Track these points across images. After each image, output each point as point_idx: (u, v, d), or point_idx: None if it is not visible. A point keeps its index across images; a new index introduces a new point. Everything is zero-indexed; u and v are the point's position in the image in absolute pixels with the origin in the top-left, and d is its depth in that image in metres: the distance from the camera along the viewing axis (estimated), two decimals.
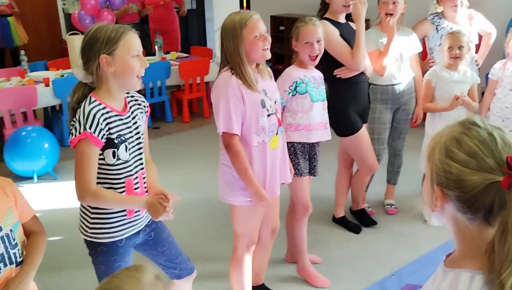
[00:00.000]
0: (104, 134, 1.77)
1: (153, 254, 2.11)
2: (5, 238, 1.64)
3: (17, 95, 4.72)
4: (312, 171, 2.77)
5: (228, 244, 3.34)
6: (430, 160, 1.05)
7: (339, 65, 2.96)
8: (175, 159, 4.85)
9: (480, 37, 3.78)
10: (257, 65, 2.26)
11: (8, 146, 4.33)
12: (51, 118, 5.56)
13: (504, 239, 0.92)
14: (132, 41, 1.81)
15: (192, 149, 5.20)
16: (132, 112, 1.92)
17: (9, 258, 1.66)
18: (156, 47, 6.11)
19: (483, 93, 3.65)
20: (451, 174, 0.98)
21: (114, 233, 1.91)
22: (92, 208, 1.89)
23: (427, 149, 1.07)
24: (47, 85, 5.01)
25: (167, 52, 6.42)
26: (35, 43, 8.10)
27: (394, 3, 3.14)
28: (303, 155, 2.70)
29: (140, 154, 1.95)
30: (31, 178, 4.42)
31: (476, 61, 3.78)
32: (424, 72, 3.44)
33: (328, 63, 2.88)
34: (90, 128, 1.73)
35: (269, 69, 2.37)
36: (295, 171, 2.64)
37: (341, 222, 3.50)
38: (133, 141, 1.90)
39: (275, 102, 2.31)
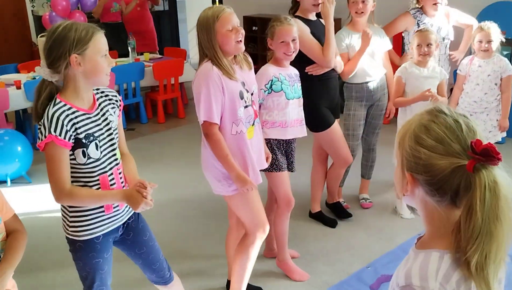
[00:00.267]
0: (70, 135, 1.77)
1: (131, 255, 2.12)
2: None
3: None
4: (289, 167, 2.82)
5: (207, 242, 3.39)
6: (400, 147, 1.11)
7: (310, 62, 3.03)
8: (150, 160, 4.84)
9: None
10: (235, 56, 2.32)
11: None
12: (23, 121, 5.48)
13: (469, 219, 0.97)
14: (102, 41, 1.81)
15: (168, 150, 5.21)
16: (101, 109, 1.90)
17: None
18: (129, 48, 6.08)
19: (451, 90, 3.77)
20: (420, 159, 1.04)
21: (92, 229, 1.91)
22: (70, 207, 1.90)
23: (397, 136, 1.13)
24: (18, 88, 4.94)
25: (141, 54, 6.40)
26: (4, 46, 7.96)
27: (363, 2, 3.21)
28: (280, 151, 2.75)
29: (114, 149, 1.94)
30: (5, 182, 4.35)
31: (453, 56, 3.89)
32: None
33: (299, 60, 2.93)
34: (55, 131, 1.73)
35: (250, 59, 2.42)
36: (274, 167, 2.69)
37: (317, 217, 3.57)
38: (104, 138, 1.89)
39: (252, 94, 2.37)
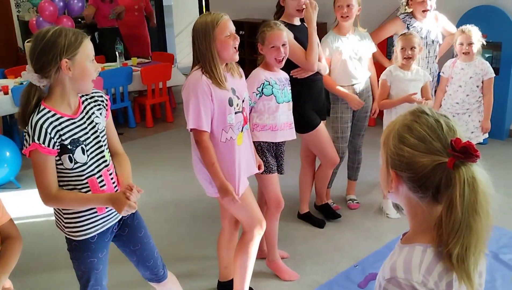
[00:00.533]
0: (55, 142, 1.79)
1: (126, 251, 2.15)
2: None
3: None
4: (279, 169, 2.87)
5: (197, 244, 3.42)
6: (385, 146, 1.16)
7: (296, 66, 3.08)
8: (139, 164, 4.84)
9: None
10: (226, 64, 2.36)
11: None
12: (11, 126, 5.46)
13: (450, 213, 1.03)
14: (89, 46, 1.84)
15: (156, 154, 5.23)
16: (86, 112, 1.92)
17: None
18: (117, 53, 6.10)
19: (435, 92, 3.86)
20: (404, 157, 1.09)
21: (86, 230, 1.95)
22: (63, 209, 1.93)
23: (382, 136, 1.18)
24: (6, 93, 4.94)
25: (138, 58, 6.45)
26: None
27: (348, 6, 3.29)
28: (270, 153, 2.80)
29: (102, 152, 1.95)
30: None
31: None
32: None
33: (285, 64, 2.98)
34: (38, 139, 1.75)
35: (241, 69, 2.47)
36: (264, 169, 2.72)
37: (306, 217, 3.63)
38: (90, 142, 1.90)
39: (243, 101, 2.41)
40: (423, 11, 3.62)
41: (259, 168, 2.64)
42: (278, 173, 2.87)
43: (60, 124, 1.81)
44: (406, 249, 1.12)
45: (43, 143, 1.76)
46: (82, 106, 1.92)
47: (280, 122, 2.77)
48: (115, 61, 6.02)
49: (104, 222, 1.99)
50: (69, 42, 1.77)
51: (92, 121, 1.93)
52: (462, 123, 3.62)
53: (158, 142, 5.62)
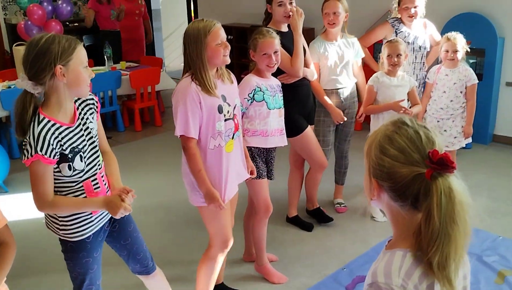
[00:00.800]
0: (56, 152, 1.82)
1: (116, 247, 2.19)
2: None
3: None
4: (269, 175, 2.92)
5: (186, 248, 3.45)
6: (367, 155, 1.20)
7: (282, 71, 3.12)
8: (128, 168, 4.84)
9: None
10: (217, 70, 2.38)
11: None
12: None
13: (428, 223, 1.07)
14: (83, 52, 1.87)
15: (145, 158, 5.24)
16: (82, 119, 1.95)
17: None
18: (106, 57, 6.11)
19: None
20: (384, 167, 1.13)
21: (83, 231, 1.99)
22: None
23: (365, 145, 1.22)
24: None
25: (117, 62, 6.46)
26: None
27: (334, 13, 3.36)
28: (260, 158, 2.84)
29: (96, 153, 1.99)
30: None
31: (425, 66, 4.05)
32: None
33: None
34: (41, 150, 1.77)
35: (232, 75, 2.49)
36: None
37: (294, 221, 3.67)
38: (87, 149, 1.94)
39: (234, 107, 2.42)
40: (409, 16, 3.71)
41: (251, 174, 2.65)
42: (268, 178, 2.91)
43: (60, 133, 1.84)
44: (388, 254, 1.16)
45: (45, 154, 1.78)
46: (77, 113, 1.94)
47: (271, 128, 2.81)
48: (118, 62, 6.14)
49: (98, 221, 2.04)
50: (62, 48, 1.79)
51: (88, 127, 1.96)
52: (446, 128, 3.70)
53: (146, 146, 5.63)
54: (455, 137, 3.70)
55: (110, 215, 2.07)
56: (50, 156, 1.80)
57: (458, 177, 1.09)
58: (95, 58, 6.47)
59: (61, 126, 1.85)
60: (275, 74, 3.07)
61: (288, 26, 3.19)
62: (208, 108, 2.29)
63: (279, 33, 3.11)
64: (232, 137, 2.42)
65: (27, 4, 5.74)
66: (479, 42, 4.80)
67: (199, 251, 3.11)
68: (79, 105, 1.97)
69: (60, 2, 6.24)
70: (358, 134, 4.02)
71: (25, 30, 5.72)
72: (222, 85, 2.38)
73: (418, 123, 1.16)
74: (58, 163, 1.85)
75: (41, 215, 2.05)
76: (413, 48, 3.79)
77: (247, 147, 2.76)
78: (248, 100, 2.74)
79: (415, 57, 3.83)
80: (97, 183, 1.99)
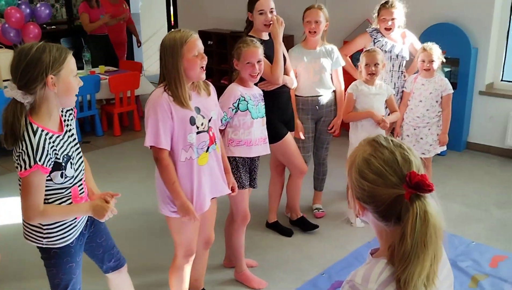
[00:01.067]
0: (52, 161, 1.83)
1: (92, 246, 2.20)
2: None
3: None
4: (252, 183, 2.95)
5: (165, 254, 3.43)
6: (349, 176, 1.25)
7: (262, 78, 3.16)
8: (107, 173, 4.83)
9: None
10: (193, 82, 2.35)
11: None
12: None
13: (401, 244, 1.11)
14: (73, 61, 1.89)
15: (124, 162, 5.21)
16: (67, 126, 1.97)
17: None
18: (84, 61, 6.06)
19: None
20: (365, 191, 1.18)
21: (68, 236, 2.00)
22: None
23: (346, 164, 1.26)
24: None
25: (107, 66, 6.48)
26: None
27: (316, 22, 3.43)
28: (244, 168, 2.86)
29: (80, 158, 2.03)
30: None
31: (404, 75, 4.14)
32: None
33: None
34: (40, 160, 1.77)
35: (211, 87, 2.46)
36: (237, 184, 2.74)
37: (274, 227, 3.71)
38: (75, 155, 1.97)
39: (209, 120, 2.38)
40: (385, 29, 3.80)
41: (232, 190, 2.62)
42: (251, 187, 2.94)
43: (53, 142, 1.85)
44: (373, 261, 1.21)
45: (44, 163, 1.78)
46: (63, 120, 1.97)
47: (255, 137, 2.84)
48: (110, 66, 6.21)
49: (79, 225, 2.05)
50: (54, 58, 1.79)
51: (73, 134, 1.99)
52: (423, 136, 3.79)
53: (125, 150, 5.60)
54: (430, 145, 3.80)
55: (87, 218, 2.10)
56: (47, 165, 1.81)
57: (435, 198, 1.13)
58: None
59: (53, 135, 1.87)
60: (256, 82, 3.12)
61: (269, 34, 3.24)
62: (179, 120, 2.26)
63: (260, 41, 3.16)
64: (207, 150, 2.38)
65: (5, 7, 5.66)
66: (454, 52, 4.93)
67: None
68: (63, 112, 1.99)
69: (38, 5, 6.19)
70: (336, 140, 4.09)
71: (3, 33, 5.64)
72: (197, 97, 2.35)
73: (394, 142, 1.19)
74: (50, 172, 1.85)
75: (18, 221, 2.04)
76: (390, 56, 3.88)
77: (231, 157, 2.78)
78: (232, 110, 2.76)
79: (392, 66, 3.92)
80: (82, 188, 2.03)
